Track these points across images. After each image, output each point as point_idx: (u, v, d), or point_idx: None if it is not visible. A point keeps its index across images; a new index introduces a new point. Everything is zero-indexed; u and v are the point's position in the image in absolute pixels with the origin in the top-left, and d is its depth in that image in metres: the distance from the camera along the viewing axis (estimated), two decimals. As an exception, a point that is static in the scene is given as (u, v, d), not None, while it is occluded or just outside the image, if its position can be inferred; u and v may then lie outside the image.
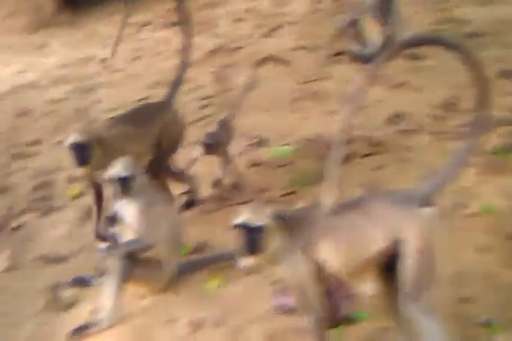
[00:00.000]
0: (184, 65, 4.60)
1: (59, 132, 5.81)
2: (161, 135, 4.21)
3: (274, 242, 2.78)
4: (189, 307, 3.45)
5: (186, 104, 5.80)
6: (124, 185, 3.50)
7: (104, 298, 3.41)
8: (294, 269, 2.81)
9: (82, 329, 3.39)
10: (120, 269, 3.43)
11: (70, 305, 3.62)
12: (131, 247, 3.50)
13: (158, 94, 6.24)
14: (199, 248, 3.92)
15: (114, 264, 3.44)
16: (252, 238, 2.73)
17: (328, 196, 2.92)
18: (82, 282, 3.75)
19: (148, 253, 3.53)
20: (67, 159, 5.22)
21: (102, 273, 3.67)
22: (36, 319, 3.57)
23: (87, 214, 4.38)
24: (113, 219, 3.63)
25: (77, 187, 4.72)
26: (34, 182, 4.99)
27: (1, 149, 5.60)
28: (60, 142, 5.60)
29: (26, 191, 4.89)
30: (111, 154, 3.84)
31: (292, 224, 2.85)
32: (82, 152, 3.89)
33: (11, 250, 4.20)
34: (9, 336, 3.48)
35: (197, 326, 3.31)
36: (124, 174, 3.50)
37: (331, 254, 2.81)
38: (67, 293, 3.70)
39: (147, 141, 4.18)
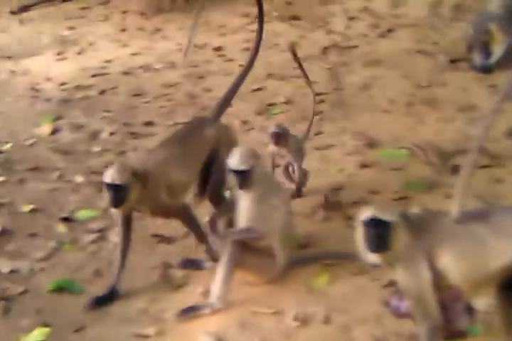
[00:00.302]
0: (242, 78, 4.39)
1: (172, 115, 5.93)
2: (215, 154, 3.85)
3: (400, 242, 2.76)
4: (296, 301, 3.48)
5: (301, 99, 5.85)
6: (243, 178, 3.51)
7: (214, 283, 3.47)
8: (414, 274, 2.78)
9: (190, 311, 3.46)
10: (231, 256, 3.48)
11: (179, 286, 3.70)
12: (244, 235, 3.55)
13: (271, 86, 6.38)
14: (307, 244, 3.94)
15: (225, 251, 3.50)
16: (380, 234, 2.72)
17: (456, 204, 2.88)
18: (192, 264, 3.85)
19: (260, 244, 3.57)
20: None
21: (212, 258, 3.76)
22: (148, 295, 3.67)
23: (196, 199, 4.45)
24: (229, 207, 3.69)
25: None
26: (148, 163, 5.12)
27: (117, 127, 5.76)
28: (173, 125, 5.76)
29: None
30: (154, 188, 3.55)
31: (416, 227, 2.82)
32: (119, 193, 3.45)
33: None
34: (122, 308, 3.59)
35: (304, 321, 3.33)
36: (243, 168, 3.50)
37: (452, 264, 2.77)
38: (178, 274, 3.79)
39: (196, 165, 3.82)
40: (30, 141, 5.70)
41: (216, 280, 3.47)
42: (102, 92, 6.66)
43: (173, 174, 3.67)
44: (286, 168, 4.49)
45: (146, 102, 6.29)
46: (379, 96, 5.80)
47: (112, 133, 5.68)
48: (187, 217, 3.77)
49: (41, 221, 4.47)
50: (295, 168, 4.38)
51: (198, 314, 3.44)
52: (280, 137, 4.31)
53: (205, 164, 3.87)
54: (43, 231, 4.35)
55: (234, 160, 3.52)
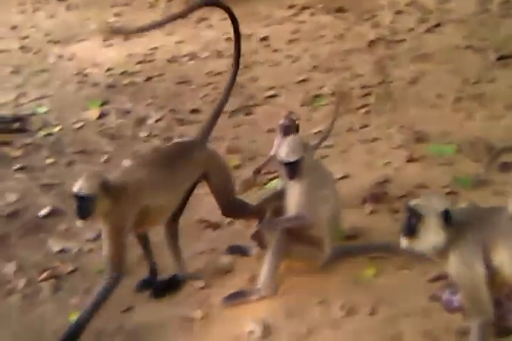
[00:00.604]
0: (225, 97, 3.96)
1: (218, 104, 5.97)
2: (204, 179, 3.64)
3: (429, 233, 2.76)
4: (342, 291, 3.48)
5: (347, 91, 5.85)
6: (293, 169, 3.52)
7: (261, 270, 3.49)
8: (469, 268, 2.77)
9: (236, 296, 3.49)
10: (279, 244, 3.50)
11: (226, 272, 3.74)
12: (292, 223, 3.56)
13: (316, 78, 6.37)
14: (352, 236, 3.94)
15: (274, 238, 3.51)
16: (410, 221, 2.74)
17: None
18: (239, 250, 3.88)
19: (308, 233, 3.58)
20: (226, 131, 5.45)
21: (259, 245, 3.79)
22: (191, 282, 3.70)
23: (244, 187, 4.49)
24: (278, 196, 3.70)
25: (236, 159, 4.84)
26: (194, 149, 5.16)
27: (163, 113, 5.82)
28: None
29: (187, 157, 5.07)
30: (126, 205, 3.29)
31: (469, 222, 2.81)
32: (84, 204, 3.21)
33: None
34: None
35: (350, 311, 3.33)
36: (292, 159, 3.50)
37: (507, 261, 2.75)
38: (225, 260, 3.83)
39: (179, 191, 3.54)
40: (78, 125, 5.80)
41: (264, 267, 3.49)
42: (148, 79, 6.73)
43: (152, 196, 3.38)
44: None
45: (192, 90, 6.34)
46: (427, 90, 5.76)
47: (158, 120, 5.74)
48: (107, 279, 3.31)
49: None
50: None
51: (244, 300, 3.47)
52: (289, 130, 4.24)
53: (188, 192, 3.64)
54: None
55: (283, 152, 3.53)
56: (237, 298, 3.49)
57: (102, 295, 3.25)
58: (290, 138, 3.69)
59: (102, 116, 5.87)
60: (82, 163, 5.06)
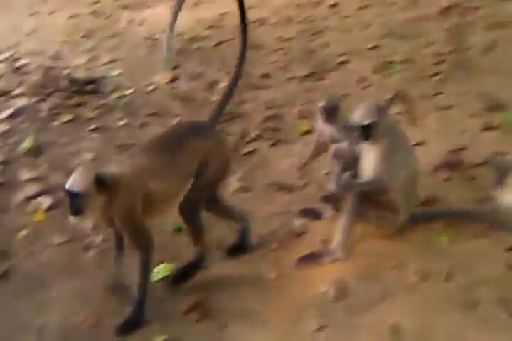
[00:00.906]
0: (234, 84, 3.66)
1: (289, 69, 5.94)
2: (202, 168, 3.38)
3: None
4: (417, 256, 3.46)
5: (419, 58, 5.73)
6: (366, 132, 3.48)
7: (335, 232, 3.50)
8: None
9: (310, 258, 3.51)
10: (354, 207, 3.49)
11: (299, 234, 3.76)
12: (368, 187, 3.53)
13: (388, 45, 6.26)
14: (427, 202, 3.89)
15: (348, 201, 3.51)
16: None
17: None
18: (312, 213, 3.88)
19: (384, 197, 3.55)
20: (297, 96, 5.43)
21: (334, 207, 3.79)
22: (268, 241, 3.73)
23: (314, 151, 4.46)
24: (353, 160, 3.68)
25: (306, 124, 4.82)
26: (265, 114, 5.17)
27: (235, 78, 5.83)
28: (289, 79, 5.76)
29: (258, 120, 5.08)
30: (127, 198, 3.14)
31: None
32: (77, 201, 3.04)
33: (243, 173, 4.41)
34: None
35: (425, 276, 3.31)
36: (366, 122, 3.46)
37: None
38: (298, 222, 3.85)
39: (182, 177, 3.35)
40: (150, 88, 5.86)
41: (338, 230, 3.49)
42: (218, 44, 6.72)
43: (152, 184, 3.22)
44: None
45: (262, 55, 6.31)
46: (503, 59, 5.58)
47: (229, 84, 5.74)
48: (143, 255, 3.24)
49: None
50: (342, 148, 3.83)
51: (317, 262, 3.49)
52: (331, 113, 3.82)
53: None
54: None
55: (357, 115, 3.50)
56: (310, 259, 3.51)
57: (146, 268, 3.23)
58: (367, 103, 3.65)
59: (173, 79, 5.91)
60: (155, 125, 5.13)
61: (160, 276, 3.52)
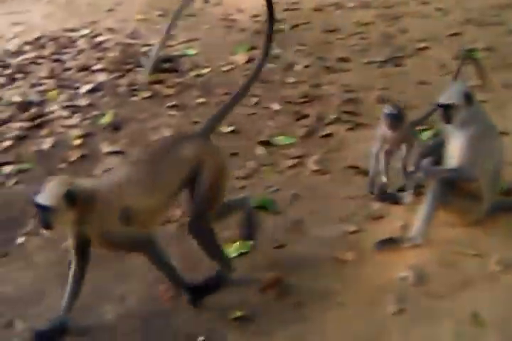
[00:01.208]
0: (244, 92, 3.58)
1: (367, 53, 5.90)
2: (197, 177, 3.22)
3: None
4: (499, 245, 3.40)
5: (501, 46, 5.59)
6: (447, 113, 3.45)
7: (416, 218, 3.47)
8: None
9: (389, 242, 3.49)
10: (436, 194, 3.44)
11: (378, 217, 3.74)
12: (452, 175, 3.48)
13: (469, 32, 6.13)
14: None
15: (431, 188, 3.46)
16: None
17: None
18: (391, 198, 3.86)
19: (468, 185, 3.50)
20: (375, 80, 5.38)
21: (414, 193, 3.75)
22: (344, 222, 3.74)
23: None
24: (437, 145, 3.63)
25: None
26: (343, 97, 5.14)
27: (312, 61, 5.80)
28: (368, 63, 5.71)
29: (336, 104, 5.06)
30: (103, 213, 3.01)
31: None
32: (45, 215, 2.95)
33: (319, 156, 4.40)
34: (320, 232, 3.69)
35: (508, 266, 3.26)
36: (447, 102, 3.43)
37: None
38: (376, 206, 3.83)
39: (167, 188, 3.19)
40: (227, 68, 5.89)
41: (419, 216, 3.46)
42: (295, 26, 6.70)
43: (129, 198, 3.07)
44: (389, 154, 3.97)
45: (340, 39, 6.28)
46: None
47: (306, 66, 5.74)
48: (150, 254, 3.15)
49: (241, 142, 4.65)
50: (407, 157, 3.89)
51: (396, 246, 3.47)
52: (397, 120, 3.77)
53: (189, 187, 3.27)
54: (243, 151, 4.52)
55: (444, 95, 3.47)
56: (389, 244, 3.49)
57: (161, 262, 3.16)
58: (457, 83, 3.60)
59: (249, 60, 5.92)
60: (232, 105, 5.15)
61: (237, 253, 3.55)
